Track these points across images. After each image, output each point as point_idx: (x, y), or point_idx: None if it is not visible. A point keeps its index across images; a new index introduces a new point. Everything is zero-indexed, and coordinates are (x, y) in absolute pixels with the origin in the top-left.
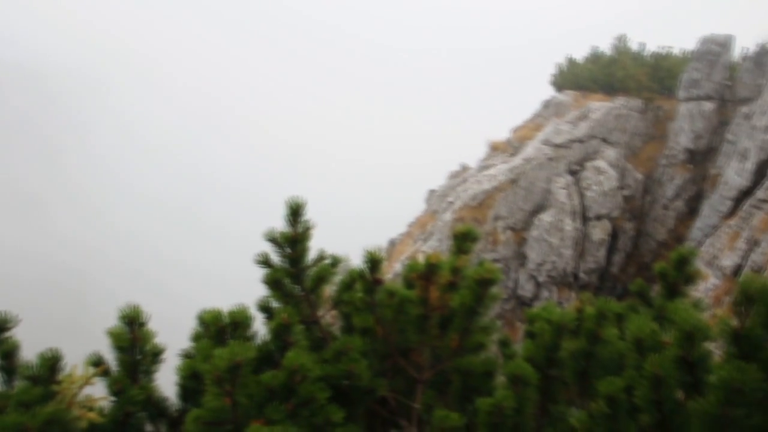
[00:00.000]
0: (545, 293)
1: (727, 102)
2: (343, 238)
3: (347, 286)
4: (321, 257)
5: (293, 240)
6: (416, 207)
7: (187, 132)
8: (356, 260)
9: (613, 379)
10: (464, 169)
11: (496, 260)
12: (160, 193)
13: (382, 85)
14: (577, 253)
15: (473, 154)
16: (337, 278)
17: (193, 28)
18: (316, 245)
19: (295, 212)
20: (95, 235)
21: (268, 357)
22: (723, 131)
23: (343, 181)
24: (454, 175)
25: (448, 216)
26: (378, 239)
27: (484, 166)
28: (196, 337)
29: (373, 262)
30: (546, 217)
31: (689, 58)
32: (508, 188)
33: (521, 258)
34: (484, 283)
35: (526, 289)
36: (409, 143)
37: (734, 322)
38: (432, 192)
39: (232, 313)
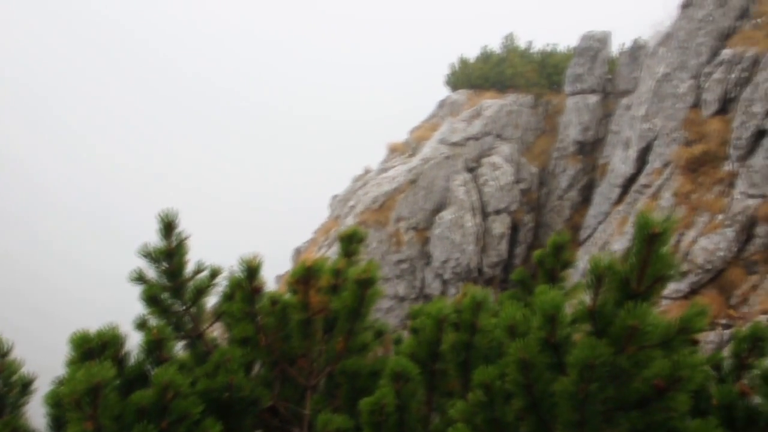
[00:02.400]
0: (452, 290)
1: (609, 94)
2: (250, 246)
3: (228, 296)
4: (199, 269)
5: (169, 254)
6: (322, 213)
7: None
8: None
9: (488, 367)
10: (366, 172)
11: (401, 261)
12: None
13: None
14: (480, 248)
15: (377, 157)
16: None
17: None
18: (225, 256)
19: (168, 225)
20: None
21: (143, 376)
22: (607, 122)
23: (252, 186)
24: (357, 179)
25: (350, 220)
26: (286, 248)
27: (383, 169)
28: (70, 362)
29: (250, 270)
30: (447, 215)
31: (573, 54)
32: (408, 189)
33: (426, 257)
34: (365, 284)
35: (433, 288)
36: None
37: (588, 301)
38: (335, 197)
39: (100, 333)
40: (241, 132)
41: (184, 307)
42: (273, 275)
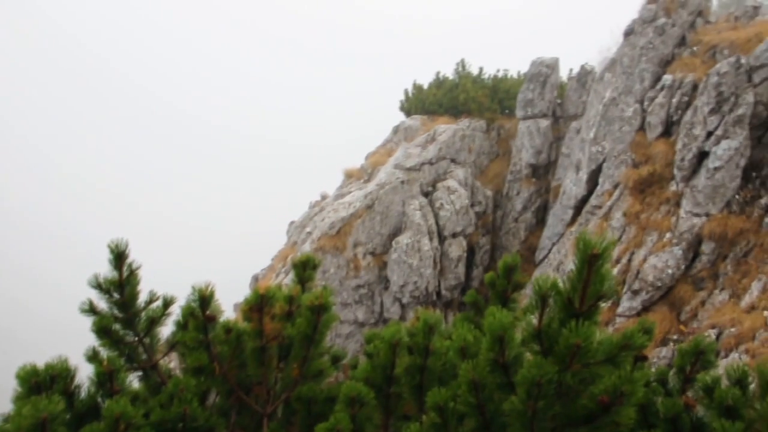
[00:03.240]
0: (411, 314)
1: (559, 118)
2: (210, 272)
3: (182, 326)
4: (152, 299)
5: (120, 285)
6: (282, 239)
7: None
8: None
9: (441, 389)
10: (323, 197)
11: (359, 286)
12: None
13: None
14: (438, 272)
15: (334, 182)
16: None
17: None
18: (185, 281)
19: (118, 256)
20: None
21: (95, 409)
22: (559, 146)
23: (214, 210)
24: (314, 205)
25: (307, 246)
26: (246, 273)
27: (340, 194)
28: (16, 398)
29: (203, 299)
30: (404, 240)
31: (524, 80)
32: (364, 214)
33: (384, 281)
34: (319, 310)
35: (392, 312)
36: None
37: (534, 321)
38: (292, 224)
39: (48, 366)
40: (202, 154)
41: (137, 338)
42: (232, 303)
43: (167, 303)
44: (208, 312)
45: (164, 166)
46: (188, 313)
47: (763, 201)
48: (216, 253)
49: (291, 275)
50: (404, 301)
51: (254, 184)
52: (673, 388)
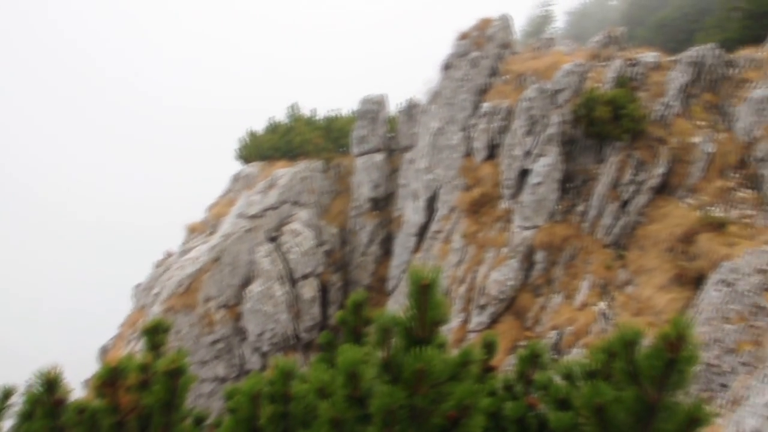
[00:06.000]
0: (272, 362)
1: (393, 151)
2: (51, 352)
3: (28, 415)
4: None
5: None
6: (126, 305)
7: None
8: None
9: None
10: (168, 256)
11: (216, 341)
12: None
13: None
14: (293, 315)
15: (177, 239)
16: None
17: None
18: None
19: None
20: None
21: None
22: (395, 177)
23: (53, 281)
24: (159, 264)
25: (156, 308)
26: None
27: (185, 250)
28: None
29: (49, 382)
30: (256, 288)
31: (355, 118)
32: (212, 267)
33: (241, 333)
34: (175, 374)
35: (253, 362)
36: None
37: (381, 353)
38: (137, 286)
39: None
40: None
41: None
42: (79, 381)
43: (7, 393)
44: (56, 396)
45: None
46: (34, 400)
47: (579, 208)
48: (56, 330)
49: (142, 342)
50: (264, 349)
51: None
52: (518, 392)
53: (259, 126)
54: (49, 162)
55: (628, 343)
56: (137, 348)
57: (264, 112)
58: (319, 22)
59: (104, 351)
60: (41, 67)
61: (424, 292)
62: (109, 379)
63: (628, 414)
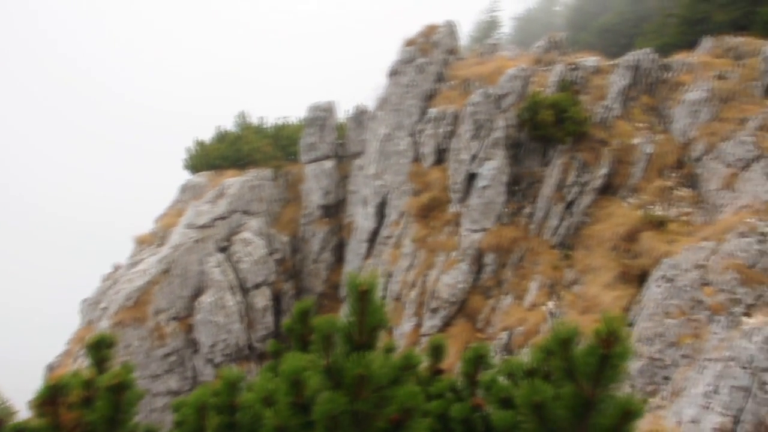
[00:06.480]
0: None
1: (342, 158)
2: None
3: None
4: None
5: None
6: (74, 321)
7: None
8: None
9: None
10: (116, 269)
11: (168, 354)
12: None
13: None
14: (246, 325)
15: (125, 252)
16: None
17: None
18: None
19: None
20: None
21: None
22: (345, 184)
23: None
24: (107, 278)
25: (105, 323)
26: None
27: (133, 263)
28: None
29: None
30: (207, 299)
31: (304, 125)
32: (162, 279)
33: (193, 345)
34: (119, 389)
35: (207, 374)
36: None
37: (323, 360)
38: (85, 301)
39: None
40: None
41: None
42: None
43: None
44: None
45: None
46: None
47: (526, 210)
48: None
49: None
50: (217, 360)
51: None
52: (464, 393)
53: (209, 134)
54: (18, 159)
55: (563, 341)
56: (85, 364)
57: (219, 118)
58: (297, 30)
59: (51, 369)
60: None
61: (362, 298)
62: (50, 398)
63: (566, 410)
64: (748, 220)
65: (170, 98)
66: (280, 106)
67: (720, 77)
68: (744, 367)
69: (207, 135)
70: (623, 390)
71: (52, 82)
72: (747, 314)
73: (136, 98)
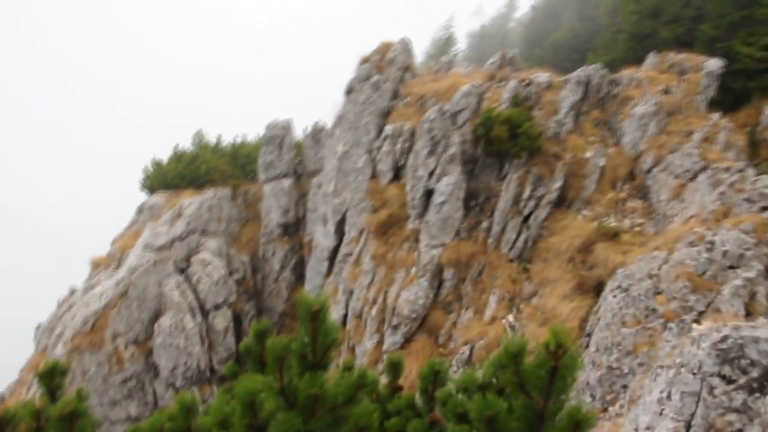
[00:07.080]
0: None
1: (301, 176)
2: None
3: None
4: None
5: None
6: (28, 349)
7: None
8: None
9: None
10: (72, 293)
11: (126, 379)
12: None
13: None
14: (207, 347)
15: (81, 276)
16: None
17: None
18: None
19: None
20: None
21: None
22: (305, 202)
23: None
24: (62, 303)
25: (60, 350)
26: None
27: (89, 286)
28: None
29: None
30: (166, 321)
31: (262, 143)
32: (119, 302)
33: (153, 369)
34: (71, 418)
35: (167, 399)
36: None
37: (277, 381)
38: (39, 327)
39: None
40: None
41: None
42: None
43: None
44: None
45: None
46: None
47: (484, 225)
48: None
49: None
50: (178, 384)
51: None
52: (422, 409)
53: (165, 155)
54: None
55: (514, 355)
56: (39, 393)
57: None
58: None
59: (1, 399)
60: None
61: (314, 318)
62: None
63: (519, 422)
64: (696, 229)
65: (151, 109)
66: (256, 116)
67: (666, 92)
68: (693, 373)
69: (165, 155)
70: (580, 400)
71: (34, 90)
72: (697, 321)
73: (119, 108)
